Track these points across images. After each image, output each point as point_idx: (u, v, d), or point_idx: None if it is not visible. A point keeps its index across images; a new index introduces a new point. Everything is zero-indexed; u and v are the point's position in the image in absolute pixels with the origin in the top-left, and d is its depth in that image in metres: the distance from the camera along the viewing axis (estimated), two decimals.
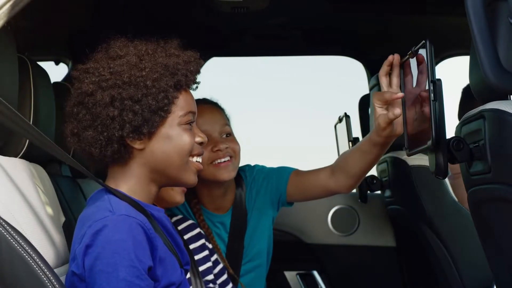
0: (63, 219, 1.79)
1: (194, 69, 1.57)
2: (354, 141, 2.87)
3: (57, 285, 1.38)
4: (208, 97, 2.33)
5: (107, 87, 1.49)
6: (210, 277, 2.05)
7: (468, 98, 2.94)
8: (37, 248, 1.40)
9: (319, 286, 3.24)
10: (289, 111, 5.58)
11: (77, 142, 1.53)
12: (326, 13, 2.92)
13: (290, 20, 3.01)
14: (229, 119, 2.34)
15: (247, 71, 6.03)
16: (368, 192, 3.10)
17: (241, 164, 2.35)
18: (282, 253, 2.78)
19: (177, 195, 1.92)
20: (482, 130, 1.52)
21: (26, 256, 1.37)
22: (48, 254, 1.52)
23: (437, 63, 3.09)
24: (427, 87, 1.63)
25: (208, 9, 2.72)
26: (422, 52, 1.67)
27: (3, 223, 1.38)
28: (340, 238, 3.24)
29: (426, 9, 2.86)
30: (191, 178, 1.58)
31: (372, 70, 3.38)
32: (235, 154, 2.27)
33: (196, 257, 2.03)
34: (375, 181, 3.07)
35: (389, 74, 1.90)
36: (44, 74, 1.92)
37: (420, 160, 2.75)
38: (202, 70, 1.61)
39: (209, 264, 2.08)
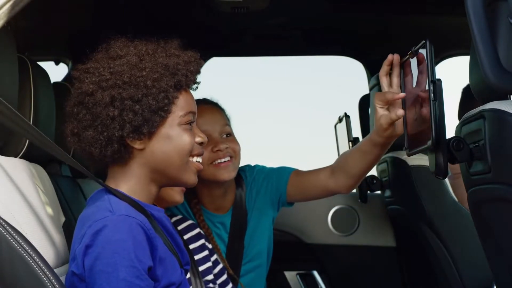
0: (63, 219, 1.79)
1: (194, 69, 1.57)
2: (354, 141, 2.87)
3: (57, 285, 1.38)
4: (208, 97, 2.33)
5: (107, 87, 1.49)
6: (210, 277, 2.05)
7: (468, 98, 2.94)
8: (37, 248, 1.40)
9: (319, 286, 3.24)
10: (289, 111, 5.59)
11: (77, 142, 1.53)
12: (326, 13, 2.92)
13: (290, 20, 3.01)
14: (229, 119, 2.34)
15: (247, 71, 6.04)
16: (368, 192, 3.10)
17: (241, 164, 2.35)
18: (282, 253, 2.78)
19: (176, 195, 1.92)
20: (482, 130, 1.52)
21: (26, 256, 1.37)
22: (48, 254, 1.52)
23: (437, 63, 3.09)
24: (427, 87, 1.63)
25: (208, 9, 2.72)
26: (422, 52, 1.67)
27: (3, 223, 1.38)
28: (340, 238, 3.24)
29: (426, 9, 2.86)
30: (191, 178, 1.58)
31: (372, 70, 3.38)
32: (235, 154, 2.27)
33: (196, 257, 2.03)
34: (375, 181, 3.07)
35: (389, 74, 1.91)
36: (44, 74, 1.92)
37: (420, 160, 2.75)
38: (202, 70, 1.61)
39: (209, 264, 2.08)
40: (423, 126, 1.68)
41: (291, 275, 3.27)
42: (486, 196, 1.59)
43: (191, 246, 2.04)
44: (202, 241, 2.09)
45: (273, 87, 5.56)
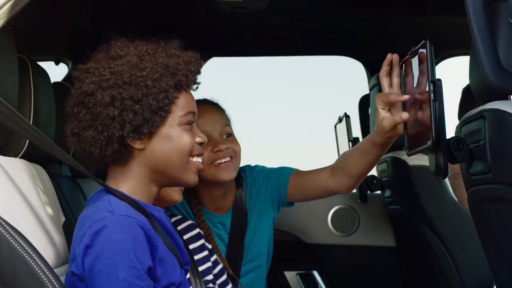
0: (63, 219, 1.79)
1: (195, 69, 1.57)
2: (354, 141, 2.87)
3: (57, 285, 1.38)
4: (208, 97, 2.33)
5: (107, 87, 1.49)
6: (210, 277, 2.05)
7: (468, 98, 2.94)
8: (37, 248, 1.40)
9: (319, 286, 3.24)
10: (289, 111, 5.59)
11: (77, 142, 1.53)
12: (326, 13, 2.92)
13: (290, 20, 3.01)
14: (229, 119, 2.34)
15: (247, 71, 6.04)
16: (368, 192, 3.10)
17: (241, 165, 2.35)
18: (282, 253, 2.78)
19: (175, 194, 1.92)
20: (482, 130, 1.52)
21: (26, 256, 1.37)
22: (48, 254, 1.52)
23: (437, 63, 3.08)
24: (427, 88, 1.63)
25: (208, 9, 2.72)
26: (422, 52, 1.67)
27: (3, 223, 1.38)
28: (340, 238, 3.24)
29: (426, 9, 2.86)
30: (192, 178, 1.58)
31: (372, 70, 3.38)
32: (235, 155, 2.27)
33: (196, 257, 2.03)
34: (375, 181, 3.07)
35: (389, 74, 1.90)
36: (44, 74, 1.92)
37: (420, 160, 2.75)
38: (202, 70, 1.61)
39: (208, 264, 2.08)
40: (423, 126, 1.68)
41: (291, 275, 3.27)
42: (486, 196, 1.59)
43: (191, 246, 2.04)
44: (201, 241, 2.09)
45: (273, 87, 5.56)
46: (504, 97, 1.51)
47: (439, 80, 1.61)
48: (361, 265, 3.24)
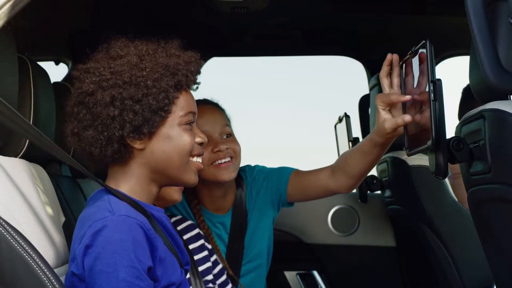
0: (63, 219, 1.79)
1: (195, 69, 1.57)
2: (354, 141, 2.87)
3: (57, 285, 1.38)
4: (208, 97, 2.33)
5: (107, 86, 1.49)
6: (210, 277, 2.05)
7: (468, 98, 2.94)
8: (37, 248, 1.40)
9: (319, 286, 3.24)
10: (289, 111, 5.59)
11: (77, 142, 1.53)
12: (326, 13, 2.92)
13: (290, 20, 3.01)
14: (229, 119, 2.34)
15: (247, 71, 6.04)
16: (368, 192, 3.10)
17: (241, 165, 2.35)
18: (282, 253, 2.78)
19: (175, 194, 1.92)
20: (482, 130, 1.52)
21: (26, 256, 1.37)
22: (48, 254, 1.52)
23: (437, 63, 3.08)
24: (427, 88, 1.63)
25: (208, 9, 2.72)
26: (422, 52, 1.67)
27: (3, 223, 1.38)
28: (340, 238, 3.24)
29: (426, 9, 2.86)
30: (192, 178, 1.58)
31: (372, 70, 3.38)
32: (235, 155, 2.26)
33: (196, 257, 2.03)
34: (375, 181, 3.07)
35: (390, 74, 1.90)
36: (44, 74, 1.92)
37: (420, 160, 2.75)
38: (202, 70, 1.61)
39: (208, 264, 2.08)
40: (423, 126, 1.68)
41: (291, 275, 3.27)
42: (486, 196, 1.59)
43: (191, 247, 2.04)
44: (201, 241, 2.09)
45: (273, 87, 5.56)
46: (504, 97, 1.51)
47: (439, 80, 1.61)
48: (361, 265, 3.24)
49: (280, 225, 3.07)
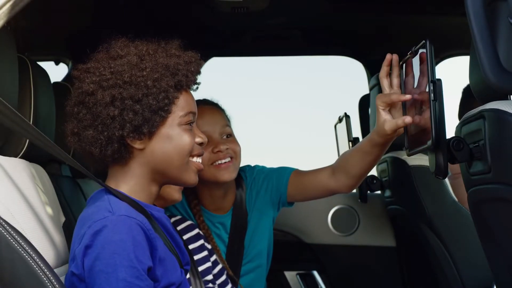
0: (63, 219, 1.79)
1: (195, 69, 1.57)
2: (354, 141, 2.87)
3: (57, 285, 1.38)
4: (208, 97, 2.33)
5: (107, 86, 1.49)
6: (209, 277, 2.05)
7: (468, 98, 2.94)
8: (37, 248, 1.40)
9: (319, 286, 3.24)
10: (289, 111, 5.59)
11: (77, 142, 1.53)
12: (326, 13, 2.92)
13: (290, 20, 3.01)
14: (229, 120, 2.34)
15: (247, 71, 6.04)
16: (368, 192, 3.10)
17: (241, 165, 2.35)
18: (282, 253, 2.78)
19: (175, 193, 1.92)
20: (482, 130, 1.52)
21: (26, 256, 1.37)
22: (48, 254, 1.52)
23: (437, 63, 3.08)
24: (427, 88, 1.63)
25: (208, 9, 2.72)
26: (422, 52, 1.67)
27: (3, 223, 1.38)
28: (340, 238, 3.24)
29: (426, 9, 2.86)
30: (192, 178, 1.58)
31: (372, 70, 3.38)
32: (235, 155, 2.26)
33: (195, 257, 2.03)
34: (375, 181, 3.07)
35: (389, 74, 1.90)
36: (44, 74, 1.92)
37: (420, 160, 2.75)
38: (202, 70, 1.61)
39: (208, 264, 2.08)
40: (423, 127, 1.68)
41: (291, 275, 3.27)
42: (486, 196, 1.59)
43: (190, 247, 2.05)
44: (201, 241, 2.09)
45: (273, 87, 5.57)
46: (504, 97, 1.51)
47: (439, 80, 1.61)
48: (361, 265, 3.24)
49: (280, 225, 3.07)
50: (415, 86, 1.77)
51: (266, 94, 5.59)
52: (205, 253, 2.08)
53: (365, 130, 3.25)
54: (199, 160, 1.59)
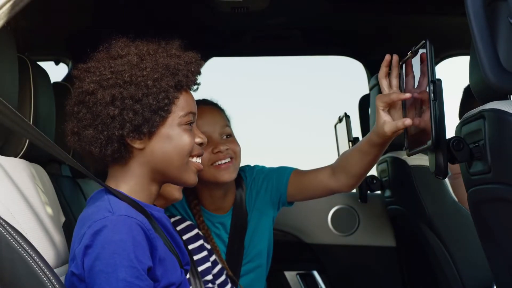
0: (63, 219, 1.79)
1: (195, 69, 1.57)
2: (354, 141, 2.87)
3: (57, 285, 1.38)
4: (208, 97, 2.33)
5: (108, 86, 1.49)
6: (209, 277, 2.05)
7: (469, 98, 2.94)
8: (37, 248, 1.40)
9: (319, 286, 3.24)
10: (289, 111, 5.59)
11: (77, 141, 1.53)
12: (326, 13, 2.92)
13: (290, 20, 3.01)
14: (229, 120, 2.34)
15: (247, 71, 6.04)
16: (368, 192, 3.10)
17: (241, 165, 2.35)
18: (282, 253, 2.78)
19: (175, 192, 1.92)
20: (482, 130, 1.52)
21: (26, 256, 1.37)
22: (48, 254, 1.52)
23: (437, 63, 3.09)
24: (427, 88, 1.63)
25: (208, 9, 2.72)
26: (422, 52, 1.67)
27: (3, 223, 1.38)
28: (340, 238, 3.24)
29: (426, 9, 2.86)
30: (192, 178, 1.58)
31: (372, 70, 3.38)
32: (235, 155, 2.26)
33: (195, 258, 2.03)
34: (375, 181, 3.07)
35: (388, 75, 1.90)
36: (44, 74, 1.92)
37: (420, 160, 2.75)
38: (202, 70, 1.61)
39: (208, 264, 2.08)
40: (423, 126, 1.68)
41: (291, 275, 3.27)
42: (486, 196, 1.59)
43: (190, 247, 2.05)
44: (201, 241, 2.09)
45: (273, 87, 5.57)
46: (504, 97, 1.51)
47: (439, 80, 1.61)
48: (361, 265, 3.24)
49: (280, 225, 3.07)
50: (415, 86, 1.77)
51: (266, 94, 5.59)
52: (204, 253, 2.08)
53: (365, 130, 3.24)
54: (198, 160, 1.59)
